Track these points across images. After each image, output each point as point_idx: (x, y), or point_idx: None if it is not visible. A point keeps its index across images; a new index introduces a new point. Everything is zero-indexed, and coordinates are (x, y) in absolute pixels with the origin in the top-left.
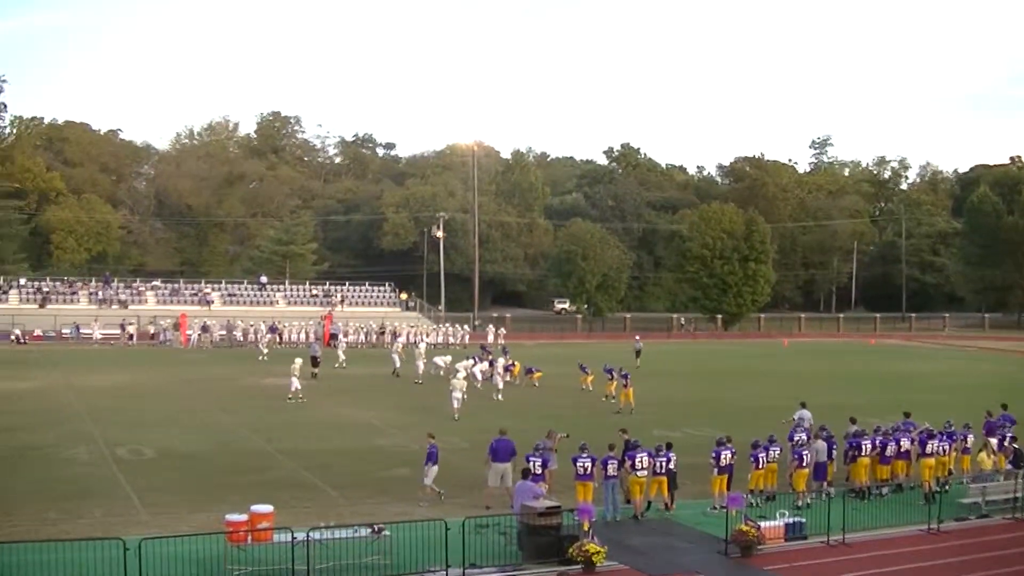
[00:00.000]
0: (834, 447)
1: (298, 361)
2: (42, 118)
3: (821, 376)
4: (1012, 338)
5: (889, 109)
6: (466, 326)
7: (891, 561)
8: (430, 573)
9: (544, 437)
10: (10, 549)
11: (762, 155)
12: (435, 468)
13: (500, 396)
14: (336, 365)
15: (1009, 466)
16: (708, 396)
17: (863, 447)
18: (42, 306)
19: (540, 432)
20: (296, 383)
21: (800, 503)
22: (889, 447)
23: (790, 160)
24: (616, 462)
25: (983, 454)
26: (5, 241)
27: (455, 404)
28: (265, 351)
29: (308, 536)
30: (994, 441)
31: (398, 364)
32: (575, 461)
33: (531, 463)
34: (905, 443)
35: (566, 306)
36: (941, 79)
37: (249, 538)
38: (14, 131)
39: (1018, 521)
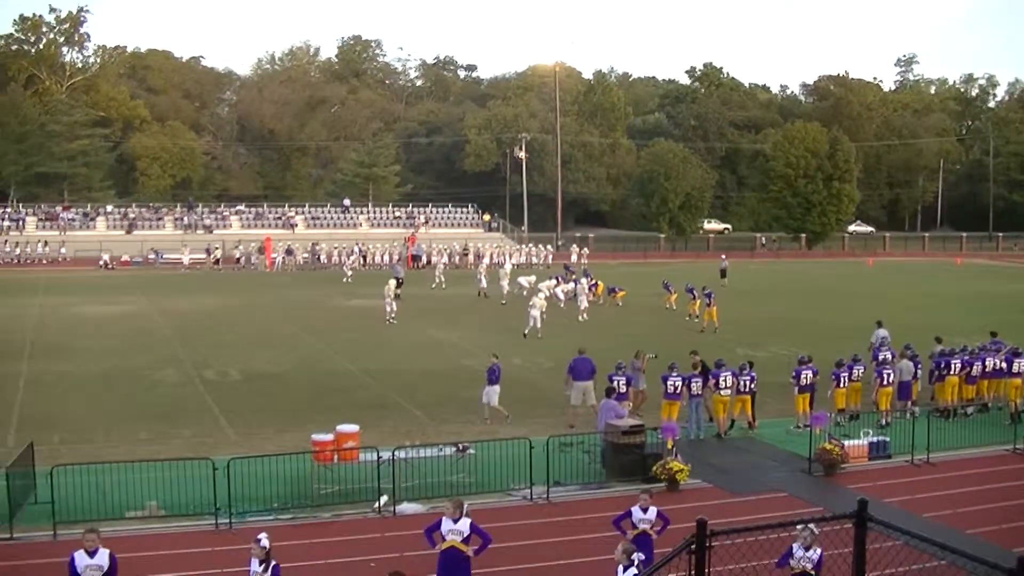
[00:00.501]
0: (919, 366)
1: (392, 283)
2: (125, 47)
3: (906, 296)
4: None
5: (977, 25)
6: (549, 246)
7: (975, 481)
8: (514, 491)
9: (632, 357)
10: (107, 469)
11: (846, 73)
12: (496, 388)
13: (584, 316)
14: (433, 286)
15: None
16: (792, 315)
17: (951, 366)
18: (129, 232)
19: (623, 351)
20: (391, 304)
21: (883, 422)
22: (975, 367)
23: (875, 78)
24: (700, 381)
25: None
26: (92, 169)
27: (531, 323)
28: (349, 273)
29: (393, 455)
30: None
31: (484, 285)
32: (665, 380)
33: (615, 382)
34: (991, 363)
35: (716, 226)
36: None
37: (335, 457)
38: (98, 60)
39: None
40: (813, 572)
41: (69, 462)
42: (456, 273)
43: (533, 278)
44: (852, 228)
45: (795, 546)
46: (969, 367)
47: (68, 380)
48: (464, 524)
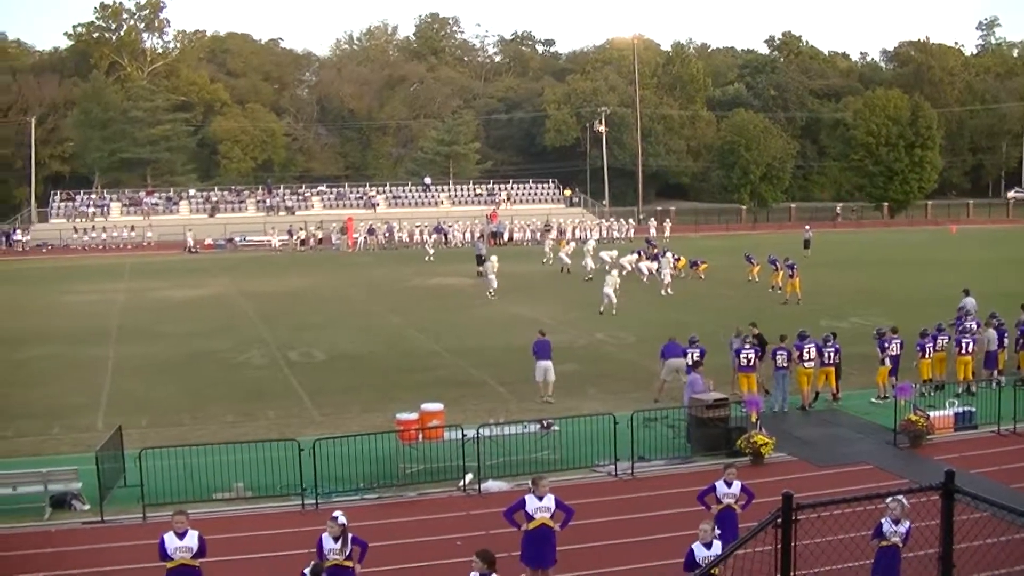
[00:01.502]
0: (1005, 335)
1: (493, 259)
2: (204, 31)
3: (991, 263)
4: None
5: None
6: (631, 220)
7: None
8: (599, 467)
9: (733, 336)
10: (194, 452)
11: (927, 38)
12: (544, 363)
13: (668, 291)
14: (544, 261)
15: None
16: (875, 285)
17: None
18: (211, 215)
19: (706, 325)
20: (494, 280)
21: (970, 390)
22: None
23: (956, 43)
24: (785, 353)
25: None
26: (174, 153)
27: (605, 300)
28: (431, 251)
29: (478, 433)
30: None
31: (567, 261)
32: (738, 352)
33: (689, 355)
34: None
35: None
36: None
37: (420, 436)
38: (178, 45)
39: None
40: (902, 545)
41: (157, 445)
42: (537, 249)
43: (615, 253)
44: (1012, 195)
45: (885, 520)
46: None
47: (154, 364)
48: (550, 500)
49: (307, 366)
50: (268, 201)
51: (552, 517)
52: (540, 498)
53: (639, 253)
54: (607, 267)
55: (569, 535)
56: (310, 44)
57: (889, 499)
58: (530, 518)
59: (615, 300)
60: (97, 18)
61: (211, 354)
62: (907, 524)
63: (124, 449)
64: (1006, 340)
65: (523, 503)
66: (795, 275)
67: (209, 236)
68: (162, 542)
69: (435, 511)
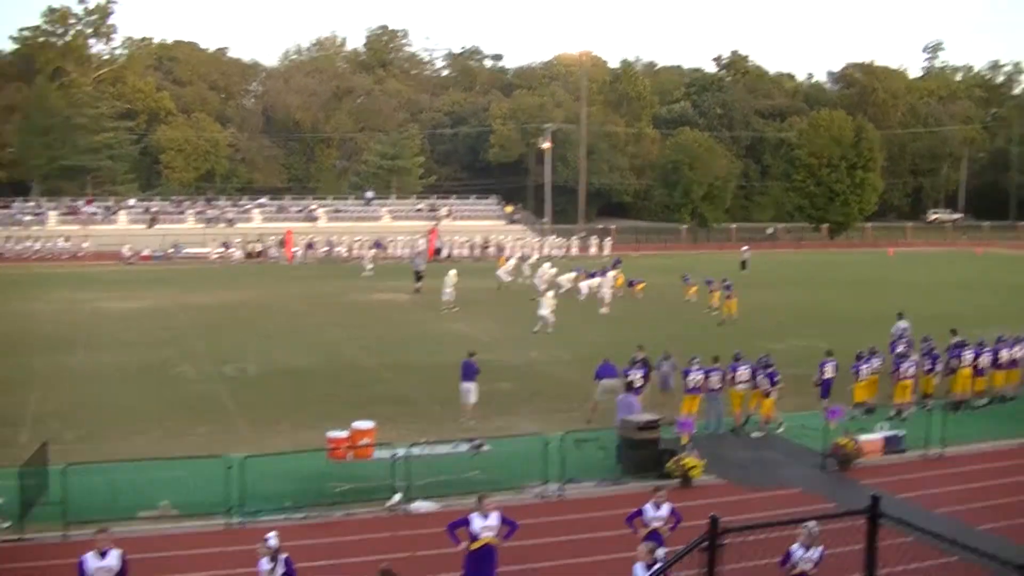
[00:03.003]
0: (937, 359)
1: (452, 273)
2: (152, 38)
3: (926, 286)
4: None
5: (1004, 11)
6: (575, 238)
7: (990, 475)
8: (529, 487)
9: (662, 359)
10: (121, 468)
11: (872, 61)
12: (471, 385)
13: (606, 309)
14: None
15: None
16: (813, 307)
17: (962, 358)
18: (150, 226)
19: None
20: (449, 293)
21: (904, 414)
22: (982, 358)
23: (901, 66)
24: (719, 374)
25: None
26: (116, 162)
27: (540, 322)
28: (370, 267)
29: (408, 452)
30: None
31: (505, 279)
32: (686, 374)
33: (631, 376)
34: (1004, 354)
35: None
36: None
37: (350, 454)
38: (125, 52)
39: None
40: (814, 572)
41: (83, 460)
42: (476, 266)
43: (554, 271)
44: (936, 216)
45: (795, 547)
46: (977, 358)
47: (85, 376)
48: (495, 518)
49: (241, 381)
50: (208, 213)
51: (496, 535)
52: (485, 516)
53: (578, 272)
54: (542, 287)
55: (499, 557)
56: (258, 54)
57: (803, 525)
58: (475, 537)
59: (551, 320)
60: (44, 22)
61: (144, 368)
62: (819, 550)
63: (49, 465)
64: (938, 364)
65: (468, 521)
66: (731, 296)
67: (148, 247)
68: (82, 562)
69: (361, 531)
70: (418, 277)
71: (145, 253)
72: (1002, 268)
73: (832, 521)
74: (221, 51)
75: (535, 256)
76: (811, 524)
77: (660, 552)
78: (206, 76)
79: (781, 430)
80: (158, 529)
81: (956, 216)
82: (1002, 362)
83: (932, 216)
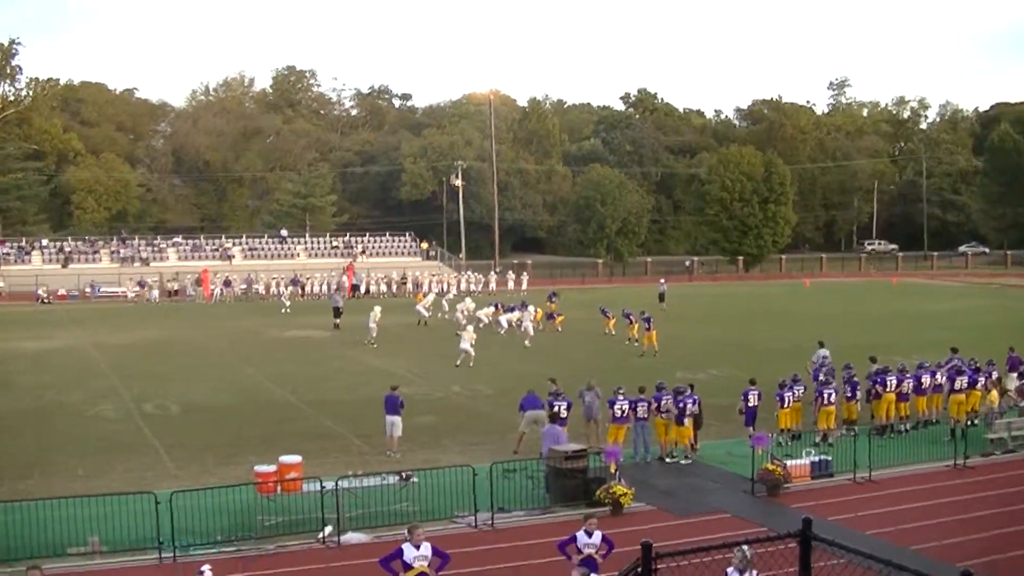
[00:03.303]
0: (857, 387)
1: (377, 309)
2: (58, 79)
3: (844, 316)
4: None
5: (908, 48)
6: (492, 273)
7: (918, 497)
8: (459, 518)
9: (585, 388)
10: (43, 505)
11: (780, 97)
12: (395, 419)
13: (528, 343)
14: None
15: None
16: (730, 338)
17: (886, 383)
18: (65, 266)
19: (563, 378)
20: (374, 329)
21: (830, 440)
22: (905, 383)
23: (808, 102)
24: (646, 404)
25: (994, 392)
26: (26, 202)
27: (461, 355)
28: (287, 303)
29: (337, 485)
30: (1015, 376)
31: (425, 315)
32: (612, 404)
33: (556, 407)
34: (926, 380)
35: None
36: (960, 17)
37: (279, 488)
38: (30, 93)
39: None
40: None
41: (3, 499)
42: (394, 302)
43: (472, 306)
44: (872, 248)
45: (730, 570)
46: (901, 383)
47: (1, 417)
48: (427, 548)
49: (162, 418)
50: (122, 252)
51: (429, 565)
52: (417, 547)
53: (497, 306)
54: (463, 321)
55: None
56: (166, 94)
57: (736, 549)
58: (408, 567)
59: (472, 354)
60: None
61: (62, 407)
62: (753, 573)
63: None
64: (858, 392)
65: (400, 552)
66: (651, 328)
67: (62, 287)
68: None
69: (295, 564)
70: (337, 313)
71: (61, 292)
72: (918, 297)
73: (765, 545)
74: (129, 92)
75: (453, 291)
76: (745, 548)
77: None
78: (114, 117)
79: (687, 461)
80: (89, 565)
81: (892, 247)
82: (925, 387)
83: (868, 247)
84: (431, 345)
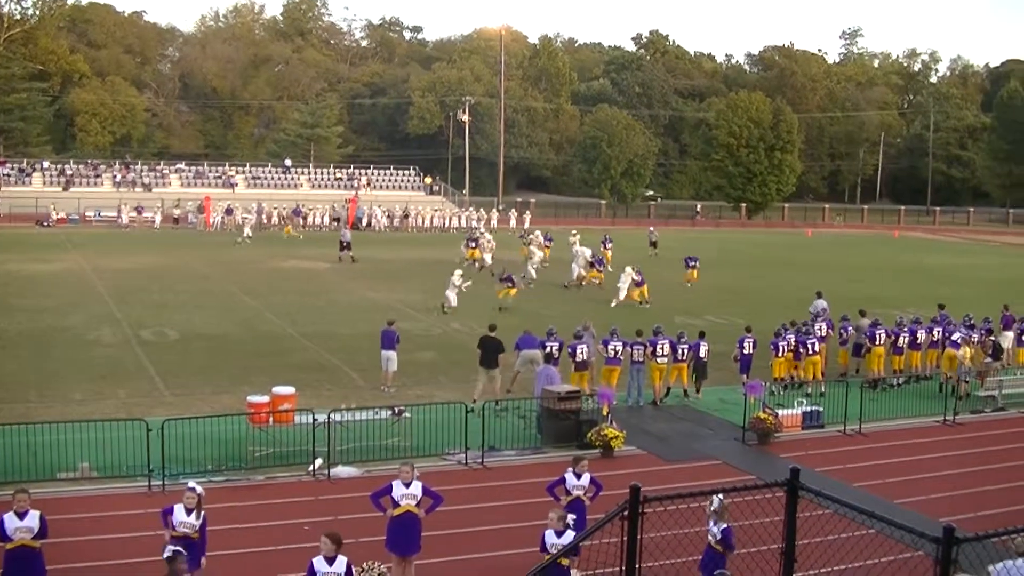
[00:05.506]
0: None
1: (458, 273)
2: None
3: (845, 267)
4: None
5: (921, 0)
6: (493, 210)
7: (907, 451)
8: (450, 455)
9: (581, 328)
10: (35, 429)
11: (791, 44)
12: (391, 353)
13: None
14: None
15: (988, 360)
16: (731, 284)
17: (877, 337)
18: (66, 189)
19: (557, 319)
20: (453, 298)
21: (811, 391)
22: (901, 338)
23: (819, 50)
24: (641, 348)
25: (964, 348)
26: (29, 123)
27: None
28: (247, 232)
29: (329, 417)
30: (1009, 333)
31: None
32: (606, 344)
33: (549, 348)
34: (922, 335)
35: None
36: None
37: (271, 419)
38: (37, 12)
39: None
40: (719, 547)
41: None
42: (396, 236)
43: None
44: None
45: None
46: (896, 338)
47: (1, 339)
48: (417, 487)
49: (160, 346)
50: (125, 176)
51: (418, 504)
52: (407, 484)
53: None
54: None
55: (421, 525)
56: (174, 19)
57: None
58: (396, 504)
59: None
60: None
61: (61, 331)
62: (723, 526)
63: None
64: (848, 343)
65: (390, 488)
66: (642, 283)
67: (63, 210)
68: (1, 522)
69: (284, 495)
70: (343, 246)
71: (61, 216)
72: (917, 251)
73: (753, 493)
74: (137, 15)
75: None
76: (715, 498)
77: (571, 518)
78: (121, 40)
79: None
80: (78, 490)
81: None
82: (919, 343)
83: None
84: (434, 282)
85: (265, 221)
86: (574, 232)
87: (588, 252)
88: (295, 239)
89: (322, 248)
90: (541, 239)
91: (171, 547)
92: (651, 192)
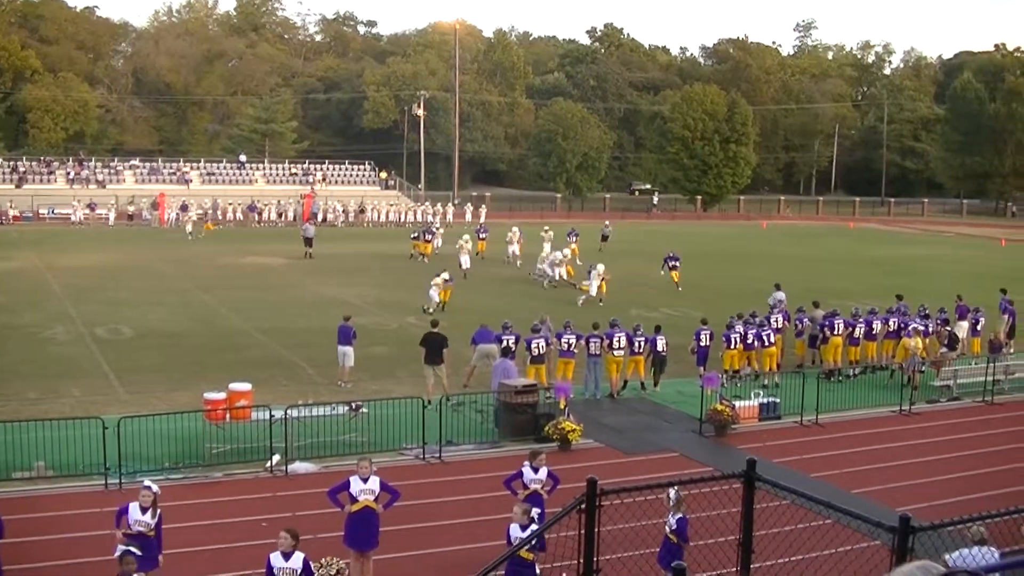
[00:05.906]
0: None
1: (443, 276)
2: None
3: (799, 259)
4: (989, 224)
5: None
6: (449, 205)
7: (863, 441)
8: (407, 449)
9: (539, 322)
10: None
11: (746, 37)
12: (348, 349)
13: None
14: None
15: (944, 350)
16: (687, 277)
17: (835, 327)
18: (18, 186)
19: (514, 312)
20: (434, 298)
21: (766, 382)
22: (857, 329)
23: (774, 42)
24: (598, 340)
25: (916, 339)
26: None
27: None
28: (189, 229)
29: (286, 413)
30: (964, 324)
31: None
32: (559, 337)
33: (505, 341)
34: (877, 325)
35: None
36: None
37: (228, 416)
38: None
39: (988, 404)
40: (674, 538)
41: None
42: (352, 231)
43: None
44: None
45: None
46: (852, 328)
47: None
48: (375, 483)
49: (115, 343)
50: (79, 173)
51: (376, 499)
52: (364, 480)
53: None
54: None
55: (379, 520)
56: (127, 14)
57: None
58: (354, 500)
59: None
60: None
61: (14, 329)
62: (678, 516)
63: None
64: (804, 335)
65: (347, 484)
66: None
67: (16, 207)
68: None
69: (241, 492)
70: (307, 243)
71: (14, 214)
72: (872, 242)
73: (710, 484)
74: (89, 10)
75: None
76: (671, 490)
77: (536, 512)
78: (74, 35)
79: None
80: (34, 490)
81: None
82: (875, 333)
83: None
84: (388, 276)
85: (220, 217)
86: (546, 228)
87: (559, 255)
88: (218, 234)
89: (278, 244)
90: (519, 234)
91: (121, 547)
92: (648, 186)
